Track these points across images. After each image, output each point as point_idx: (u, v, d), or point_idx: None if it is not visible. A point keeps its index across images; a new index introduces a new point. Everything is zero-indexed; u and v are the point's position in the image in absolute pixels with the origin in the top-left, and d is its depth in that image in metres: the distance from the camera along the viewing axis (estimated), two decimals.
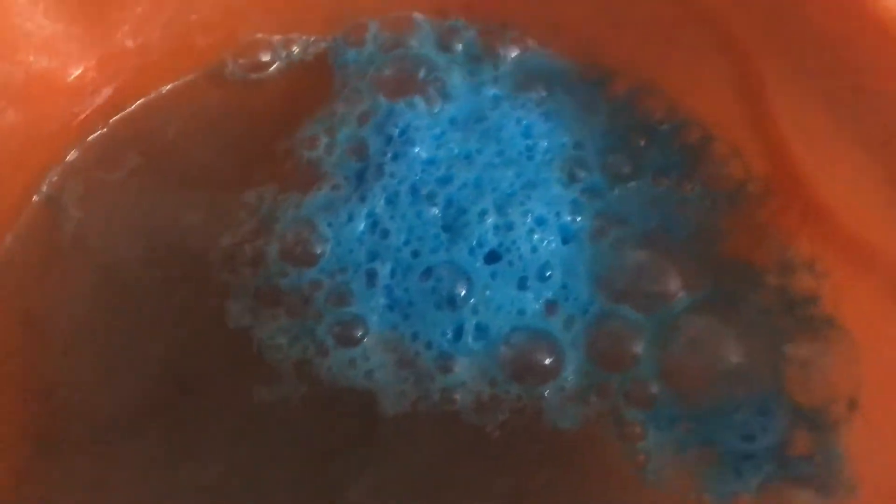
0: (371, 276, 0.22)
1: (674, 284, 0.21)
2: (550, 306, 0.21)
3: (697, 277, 0.21)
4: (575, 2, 0.25)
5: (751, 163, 0.23)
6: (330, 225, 0.22)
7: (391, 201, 0.22)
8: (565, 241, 0.22)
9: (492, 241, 0.22)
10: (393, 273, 0.22)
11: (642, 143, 0.24)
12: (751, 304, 0.21)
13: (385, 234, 0.22)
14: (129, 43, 0.23)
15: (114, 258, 0.23)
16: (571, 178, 0.23)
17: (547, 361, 0.21)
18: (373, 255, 0.22)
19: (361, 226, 0.22)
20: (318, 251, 0.22)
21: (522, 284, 0.21)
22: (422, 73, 0.25)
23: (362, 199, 0.22)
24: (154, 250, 0.23)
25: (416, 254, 0.22)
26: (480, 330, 0.21)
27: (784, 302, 0.21)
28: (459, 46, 0.26)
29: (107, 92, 0.24)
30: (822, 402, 0.21)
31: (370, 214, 0.22)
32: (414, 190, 0.22)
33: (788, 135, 0.22)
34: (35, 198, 0.23)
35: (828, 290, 0.22)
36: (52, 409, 0.21)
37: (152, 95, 0.25)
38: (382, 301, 0.21)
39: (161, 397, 0.21)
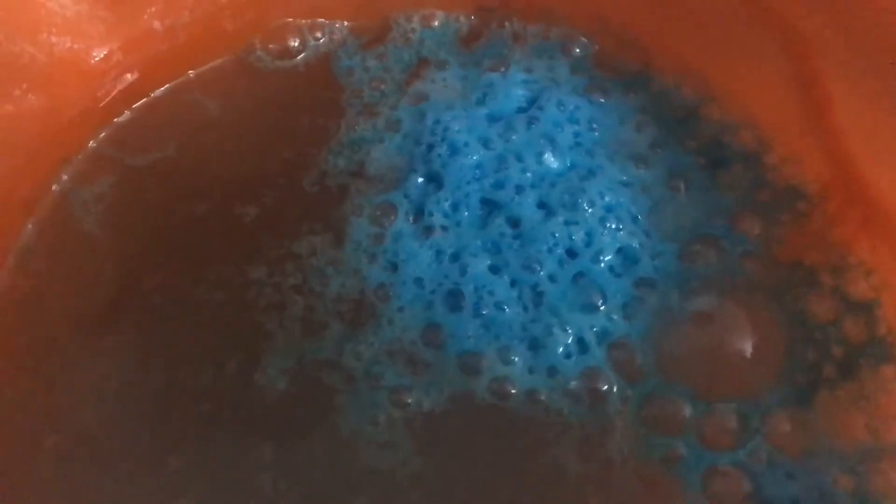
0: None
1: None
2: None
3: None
4: None
5: (809, 166, 0.22)
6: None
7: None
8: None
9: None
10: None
11: (694, 140, 0.23)
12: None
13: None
14: (157, 25, 0.22)
15: (134, 245, 0.22)
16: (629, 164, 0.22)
17: None
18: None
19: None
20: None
21: None
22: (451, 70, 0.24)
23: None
24: (177, 237, 0.22)
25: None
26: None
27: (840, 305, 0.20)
28: (488, 42, 0.25)
29: (132, 76, 0.23)
30: None
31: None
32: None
33: (849, 137, 0.21)
34: (55, 186, 0.22)
35: (887, 300, 0.20)
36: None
37: (179, 80, 0.24)
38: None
39: None
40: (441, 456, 0.19)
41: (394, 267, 0.21)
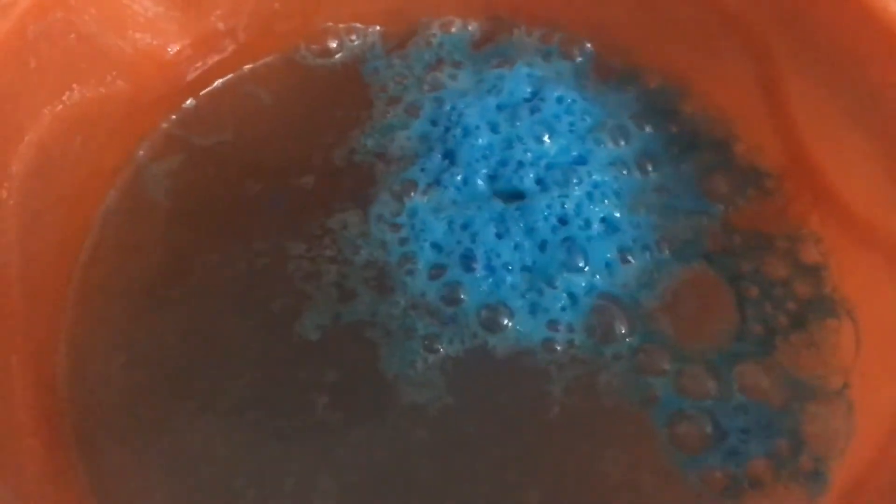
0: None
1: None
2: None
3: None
4: (616, 5, 0.28)
5: (769, 152, 0.26)
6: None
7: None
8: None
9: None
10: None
11: (674, 129, 0.27)
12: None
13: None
14: (220, 26, 0.27)
15: (194, 215, 0.26)
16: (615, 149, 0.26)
17: None
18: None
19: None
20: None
21: None
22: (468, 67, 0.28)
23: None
24: (229, 211, 0.26)
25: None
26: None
27: (793, 267, 0.24)
28: (499, 45, 0.29)
29: (198, 68, 0.27)
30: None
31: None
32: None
33: (803, 128, 0.25)
34: (133, 160, 0.26)
35: (833, 264, 0.24)
36: None
37: (236, 73, 0.28)
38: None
39: None
40: (467, 392, 0.23)
41: (414, 236, 0.25)
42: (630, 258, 0.25)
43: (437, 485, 0.22)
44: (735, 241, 0.25)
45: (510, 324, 0.24)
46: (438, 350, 0.23)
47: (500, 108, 0.27)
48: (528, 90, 0.27)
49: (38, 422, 0.21)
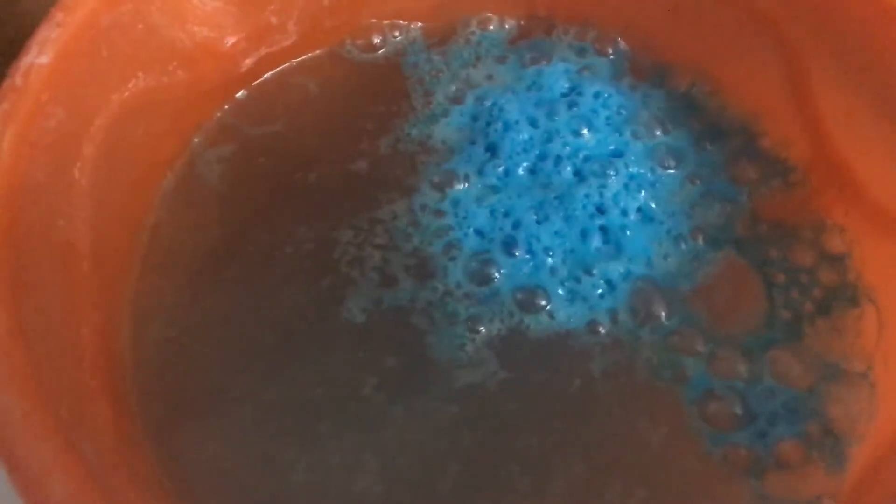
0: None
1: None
2: None
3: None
4: (647, 5, 0.29)
5: (796, 147, 0.27)
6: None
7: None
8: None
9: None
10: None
11: (703, 124, 0.28)
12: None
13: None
14: (273, 20, 0.28)
15: (245, 201, 0.28)
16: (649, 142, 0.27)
17: None
18: None
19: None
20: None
21: None
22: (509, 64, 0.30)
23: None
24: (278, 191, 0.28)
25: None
26: None
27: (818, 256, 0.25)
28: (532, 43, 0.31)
29: (252, 60, 0.28)
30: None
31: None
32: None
33: (830, 122, 0.26)
34: (192, 142, 0.28)
35: (856, 253, 0.25)
36: None
37: (286, 65, 0.29)
38: None
39: None
40: (517, 367, 0.24)
41: (458, 224, 0.26)
42: (665, 245, 0.26)
43: (488, 459, 0.23)
44: (761, 230, 0.26)
45: (550, 306, 0.25)
46: (481, 331, 0.25)
47: (538, 103, 0.28)
48: (566, 86, 0.28)
49: (105, 388, 0.22)
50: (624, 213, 0.26)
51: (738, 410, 0.24)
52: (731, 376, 0.24)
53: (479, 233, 0.26)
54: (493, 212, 0.26)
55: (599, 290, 0.25)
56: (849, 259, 0.26)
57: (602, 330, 0.25)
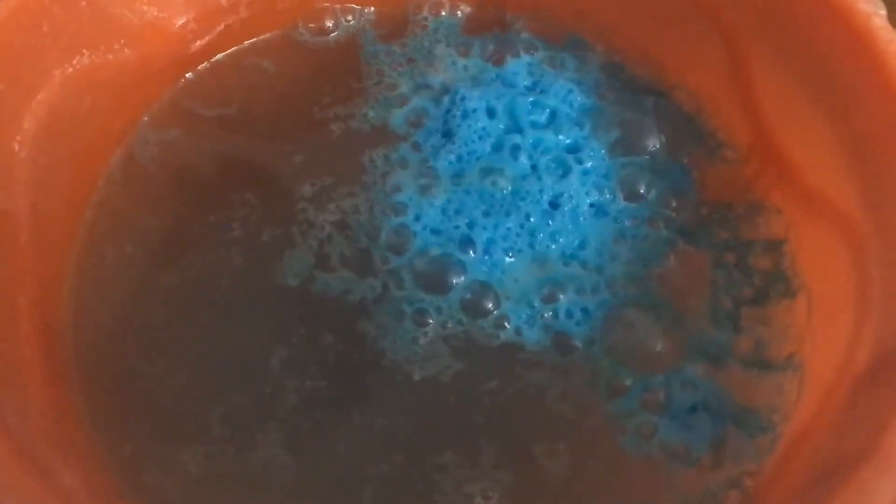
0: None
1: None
2: None
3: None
4: None
5: (737, 131, 0.28)
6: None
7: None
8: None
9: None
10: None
11: (652, 117, 0.28)
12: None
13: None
14: (223, 2, 0.28)
15: (197, 173, 0.28)
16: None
17: None
18: None
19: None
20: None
21: None
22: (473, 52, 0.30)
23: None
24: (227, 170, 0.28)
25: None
26: None
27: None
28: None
29: (201, 42, 0.28)
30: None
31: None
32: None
33: (768, 108, 0.27)
34: (141, 121, 0.28)
35: (792, 237, 0.26)
36: None
37: (238, 48, 0.29)
38: None
39: None
40: (469, 362, 0.25)
41: (406, 214, 0.27)
42: (620, 238, 0.26)
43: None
44: (702, 212, 0.27)
45: (499, 306, 0.25)
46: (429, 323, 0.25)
47: (498, 95, 0.28)
48: (527, 80, 0.29)
49: (40, 356, 0.22)
50: (577, 207, 0.26)
51: (662, 398, 0.24)
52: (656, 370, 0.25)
53: (435, 231, 0.26)
54: (445, 206, 0.27)
55: (551, 285, 0.25)
56: (785, 244, 0.26)
57: (553, 329, 0.25)
